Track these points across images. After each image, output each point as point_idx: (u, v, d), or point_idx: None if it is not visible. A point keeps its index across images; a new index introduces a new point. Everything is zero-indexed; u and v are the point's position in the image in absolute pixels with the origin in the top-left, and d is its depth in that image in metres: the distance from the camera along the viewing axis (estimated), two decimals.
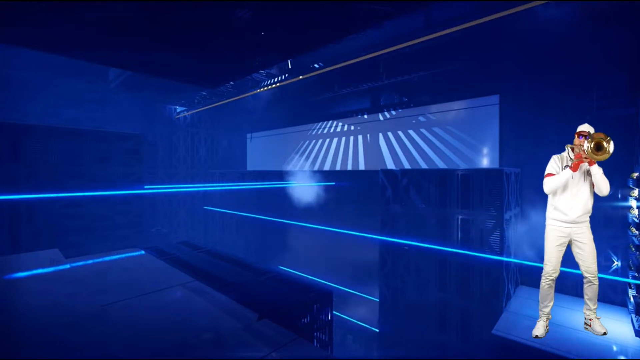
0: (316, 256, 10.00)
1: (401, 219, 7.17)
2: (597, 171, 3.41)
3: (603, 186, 3.41)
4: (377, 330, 7.81)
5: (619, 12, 5.31)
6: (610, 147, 3.21)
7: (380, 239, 7.45)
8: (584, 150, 3.35)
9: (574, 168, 3.45)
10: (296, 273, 9.40)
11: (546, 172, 3.67)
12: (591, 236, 3.59)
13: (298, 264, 10.18)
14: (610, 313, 4.98)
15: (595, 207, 3.65)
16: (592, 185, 3.54)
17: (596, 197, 3.60)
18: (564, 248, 3.68)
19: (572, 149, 3.63)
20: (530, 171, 6.50)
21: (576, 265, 3.69)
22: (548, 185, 3.60)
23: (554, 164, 3.65)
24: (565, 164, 3.60)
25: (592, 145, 3.26)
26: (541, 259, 3.84)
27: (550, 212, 3.74)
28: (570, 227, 3.59)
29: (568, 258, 3.77)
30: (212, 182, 13.51)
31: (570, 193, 3.56)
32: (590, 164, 3.42)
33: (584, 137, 3.46)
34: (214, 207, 13.44)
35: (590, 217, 3.63)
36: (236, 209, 12.57)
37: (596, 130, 3.47)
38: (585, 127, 3.56)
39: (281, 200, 10.84)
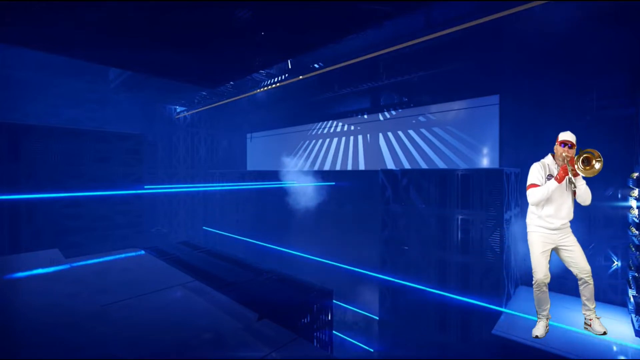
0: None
1: (401, 219, 7.17)
2: (582, 183, 3.39)
3: (588, 198, 3.40)
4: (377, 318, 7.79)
5: (619, 12, 5.31)
6: (598, 166, 3.21)
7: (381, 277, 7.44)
8: (571, 162, 3.33)
9: (560, 180, 3.41)
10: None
11: (529, 182, 3.57)
12: (575, 237, 3.58)
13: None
14: (610, 313, 4.98)
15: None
16: (574, 193, 3.51)
17: (594, 197, 3.59)
18: (550, 253, 3.67)
19: (554, 157, 3.59)
20: None
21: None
22: (534, 197, 3.51)
23: (537, 173, 3.56)
24: (548, 173, 3.55)
25: (583, 158, 3.25)
26: None
27: (533, 219, 3.68)
28: (555, 234, 3.57)
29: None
30: (212, 182, 13.51)
31: (555, 203, 3.52)
32: (574, 175, 3.40)
33: (566, 146, 3.44)
34: (213, 229, 13.42)
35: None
36: (235, 208, 12.57)
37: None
38: (568, 136, 3.51)
39: (281, 201, 10.84)
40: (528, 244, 3.75)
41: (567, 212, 3.52)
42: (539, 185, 3.51)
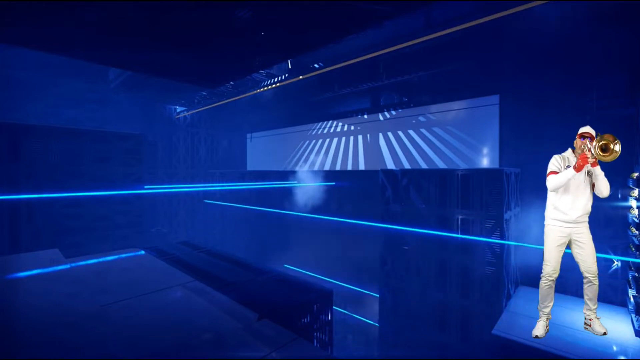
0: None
1: (401, 219, 7.17)
2: (600, 172, 3.43)
3: (604, 188, 3.44)
4: (378, 325, 7.79)
5: (619, 12, 5.31)
6: (618, 148, 3.23)
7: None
8: (589, 150, 3.36)
9: (579, 169, 3.44)
10: (299, 270, 9.43)
11: (549, 170, 3.69)
12: (590, 236, 3.60)
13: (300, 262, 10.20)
14: (610, 313, 4.98)
15: (595, 207, 3.66)
16: (592, 186, 3.55)
17: (595, 197, 3.61)
18: (564, 248, 3.68)
19: (574, 151, 3.67)
20: (530, 171, 6.50)
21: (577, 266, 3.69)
22: (552, 182, 3.59)
23: (556, 162, 3.67)
24: (567, 164, 3.62)
25: (600, 145, 3.27)
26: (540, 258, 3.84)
27: (550, 211, 3.74)
28: (570, 227, 3.60)
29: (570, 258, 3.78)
30: (212, 182, 13.51)
31: (572, 194, 3.58)
32: (593, 165, 3.43)
33: (586, 139, 3.48)
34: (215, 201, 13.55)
35: (589, 217, 3.64)
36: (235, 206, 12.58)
37: (597, 131, 3.48)
38: (588, 129, 3.58)
39: (280, 201, 10.83)
40: (544, 237, 3.79)
41: (583, 204, 3.56)
42: (557, 172, 3.58)
